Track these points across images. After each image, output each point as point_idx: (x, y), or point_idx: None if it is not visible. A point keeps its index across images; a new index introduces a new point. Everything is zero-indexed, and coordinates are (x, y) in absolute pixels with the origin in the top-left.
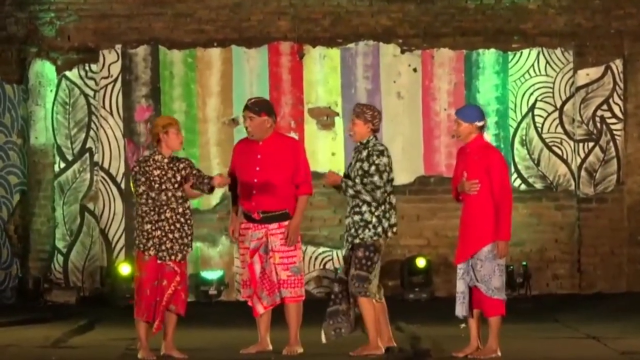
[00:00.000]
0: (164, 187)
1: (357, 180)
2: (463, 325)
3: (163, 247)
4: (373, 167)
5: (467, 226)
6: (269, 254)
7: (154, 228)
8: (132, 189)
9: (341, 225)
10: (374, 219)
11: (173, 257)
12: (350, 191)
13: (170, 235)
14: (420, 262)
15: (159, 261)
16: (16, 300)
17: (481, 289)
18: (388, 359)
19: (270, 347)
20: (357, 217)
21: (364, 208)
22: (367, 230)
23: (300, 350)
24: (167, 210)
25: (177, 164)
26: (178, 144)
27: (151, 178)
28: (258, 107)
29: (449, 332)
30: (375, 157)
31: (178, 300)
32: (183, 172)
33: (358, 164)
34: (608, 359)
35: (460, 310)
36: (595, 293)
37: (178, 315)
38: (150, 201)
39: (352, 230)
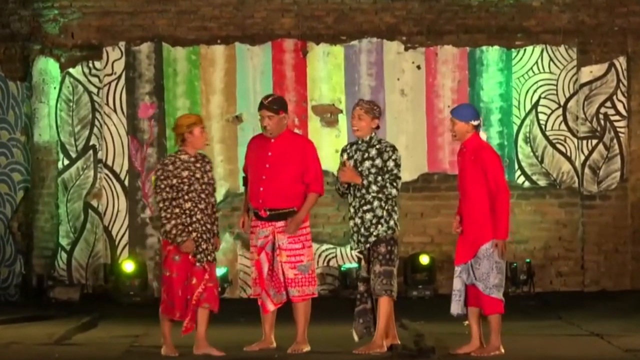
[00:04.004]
0: (192, 188)
1: (371, 179)
2: (466, 322)
3: (200, 249)
4: (391, 162)
5: (466, 227)
6: (275, 252)
7: (187, 230)
8: (155, 194)
9: (344, 223)
10: (385, 213)
11: (209, 258)
12: (374, 187)
13: (205, 236)
14: (424, 260)
15: (197, 264)
16: (19, 297)
17: (479, 287)
18: (392, 356)
19: (275, 345)
20: (369, 215)
21: (375, 204)
22: (380, 226)
23: (307, 348)
24: (198, 212)
25: (204, 165)
26: (203, 143)
27: (180, 180)
28: (276, 105)
29: (453, 329)
30: (390, 153)
31: (211, 297)
32: (210, 173)
33: (368, 163)
34: (612, 357)
35: (456, 308)
36: (599, 290)
37: (212, 312)
38: (182, 203)
39: (363, 230)
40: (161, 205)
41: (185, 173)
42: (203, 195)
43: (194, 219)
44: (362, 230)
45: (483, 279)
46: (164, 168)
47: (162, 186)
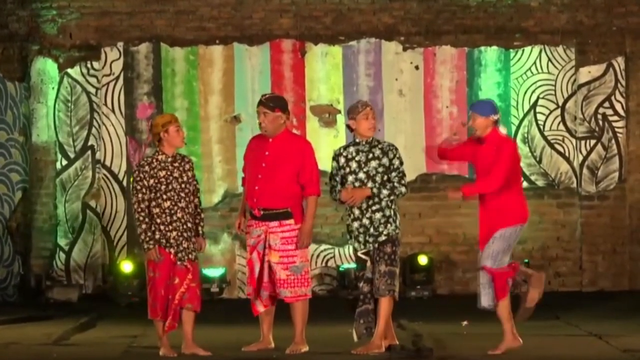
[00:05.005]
0: (170, 187)
1: (378, 179)
2: (465, 322)
3: (181, 248)
4: (397, 160)
5: (486, 214)
6: (266, 252)
7: (168, 229)
8: (132, 195)
9: (342, 223)
10: (392, 213)
11: (190, 256)
12: (385, 191)
13: (185, 235)
14: (422, 260)
15: (178, 262)
16: (18, 297)
17: (487, 264)
18: (390, 357)
19: (273, 345)
20: (378, 215)
21: (384, 203)
22: (389, 225)
23: (305, 349)
24: (178, 211)
25: (182, 164)
26: (180, 141)
27: (157, 180)
28: (272, 102)
29: (451, 329)
30: (395, 151)
31: (193, 297)
32: (189, 173)
33: (374, 162)
34: (610, 357)
35: (486, 300)
36: (597, 291)
37: (194, 312)
38: (161, 202)
39: (372, 230)
40: (135, 207)
41: (162, 173)
42: (183, 194)
43: (175, 218)
44: (372, 230)
45: (493, 256)
46: (140, 169)
47: (139, 187)
